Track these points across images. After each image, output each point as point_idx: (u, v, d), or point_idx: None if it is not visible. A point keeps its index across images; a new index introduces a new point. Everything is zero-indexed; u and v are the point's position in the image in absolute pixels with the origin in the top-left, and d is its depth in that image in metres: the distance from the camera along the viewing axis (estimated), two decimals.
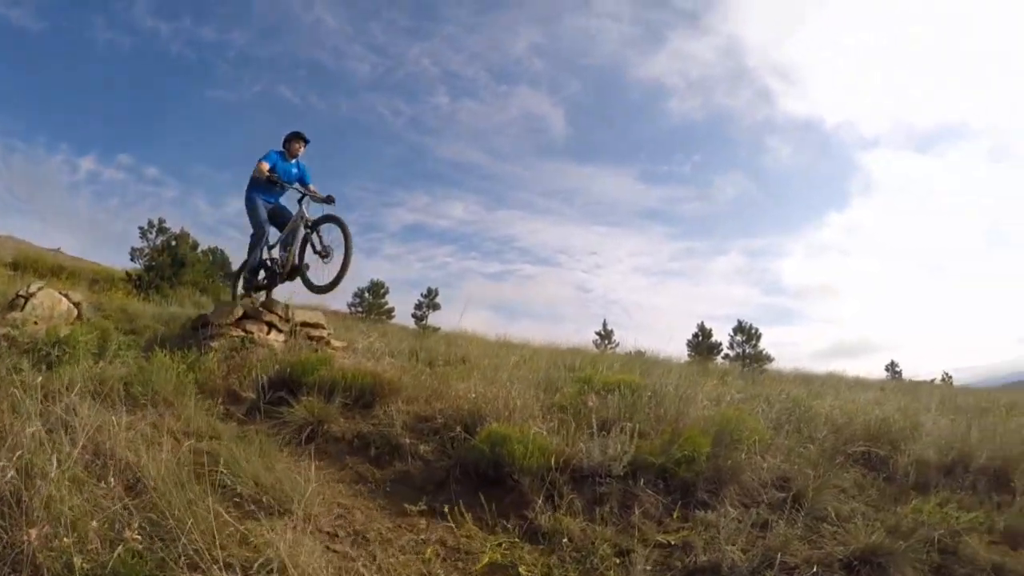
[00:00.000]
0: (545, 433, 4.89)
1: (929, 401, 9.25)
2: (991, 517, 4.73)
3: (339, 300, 21.88)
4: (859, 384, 13.45)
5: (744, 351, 25.05)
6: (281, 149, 8.18)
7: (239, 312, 7.79)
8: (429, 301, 26.83)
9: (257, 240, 8.03)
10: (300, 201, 7.97)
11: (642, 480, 4.53)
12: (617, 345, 21.07)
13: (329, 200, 7.92)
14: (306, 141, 8.34)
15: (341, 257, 7.40)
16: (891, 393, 10.77)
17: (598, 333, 24.97)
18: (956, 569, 3.80)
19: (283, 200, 8.28)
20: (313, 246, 7.75)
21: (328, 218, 7.69)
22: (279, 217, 8.18)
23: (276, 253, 8.16)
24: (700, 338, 26.09)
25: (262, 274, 8.20)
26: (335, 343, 8.31)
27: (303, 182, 8.20)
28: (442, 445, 5.09)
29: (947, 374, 25.11)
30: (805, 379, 12.82)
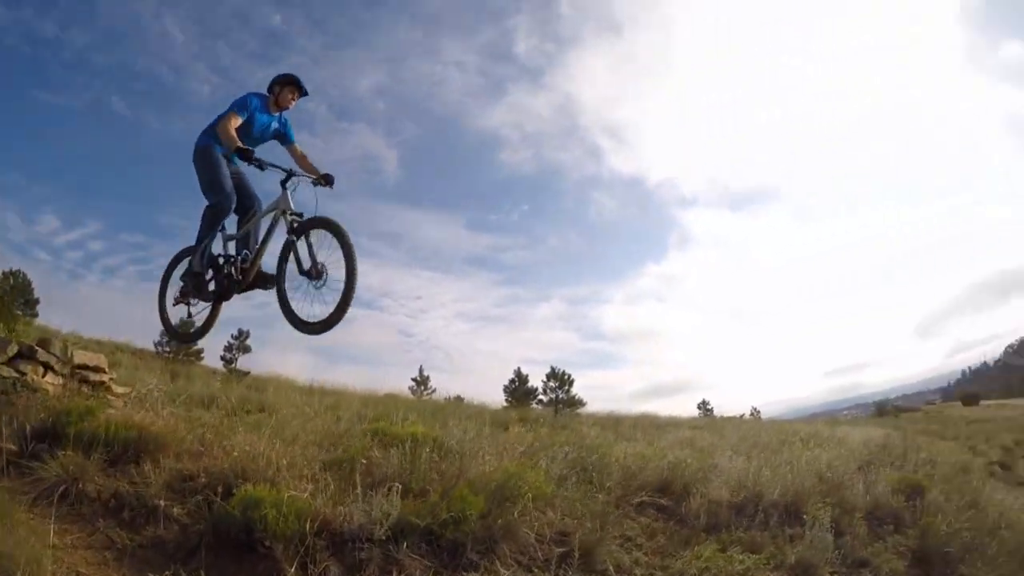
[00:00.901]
0: (307, 495, 4.81)
1: (732, 438, 10.37)
2: (783, 551, 5.41)
3: (146, 338, 20.11)
4: (672, 423, 14.41)
5: (558, 396, 26.08)
6: (264, 94, 6.06)
7: (14, 349, 6.77)
8: (240, 343, 25.24)
9: (215, 217, 5.91)
10: (284, 183, 5.73)
11: (406, 543, 4.52)
12: (434, 391, 21.46)
13: (327, 181, 5.89)
14: (303, 92, 6.21)
15: (342, 283, 5.21)
16: (700, 431, 11.73)
17: (414, 379, 24.99)
18: None
19: (248, 164, 5.77)
20: (299, 261, 5.52)
21: (321, 222, 5.49)
22: (238, 190, 6.05)
23: (233, 248, 6.06)
24: (517, 384, 26.89)
25: (211, 274, 6.03)
26: (117, 389, 7.66)
27: (286, 140, 6.28)
28: (199, 507, 4.86)
29: (755, 409, 28.88)
30: (616, 421, 13.49)
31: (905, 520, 7.05)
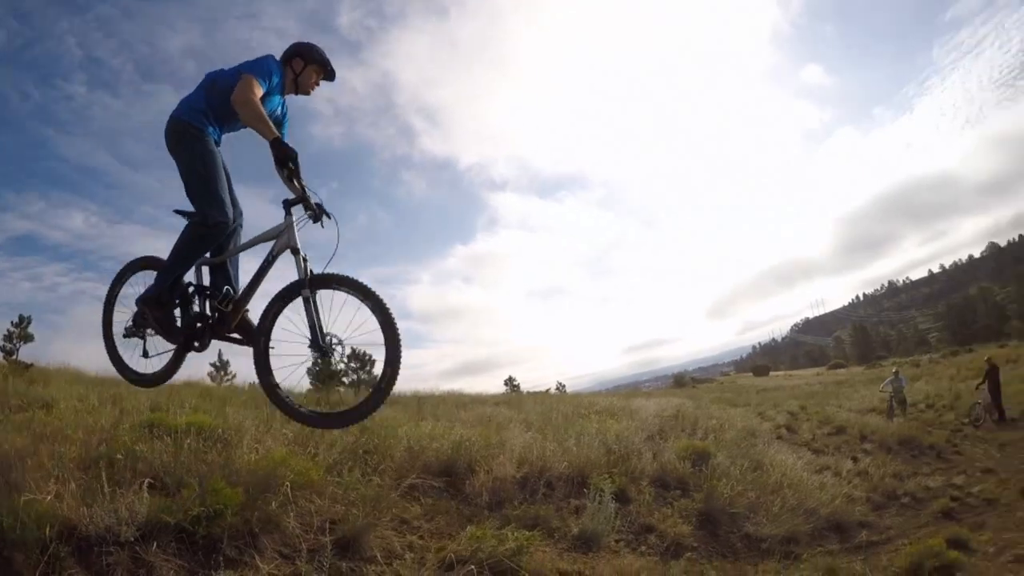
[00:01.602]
0: (50, 497, 4.38)
1: (531, 413, 10.42)
2: (567, 523, 5.39)
3: None
4: (477, 400, 14.34)
5: (359, 377, 25.53)
6: (282, 68, 4.71)
7: None
8: (20, 331, 22.44)
9: (205, 239, 4.42)
10: (291, 207, 4.39)
11: (156, 544, 4.22)
12: (234, 377, 20.34)
13: (320, 213, 4.37)
14: (329, 77, 4.98)
15: (381, 370, 4.02)
16: (500, 407, 11.68)
17: (213, 364, 23.66)
18: None
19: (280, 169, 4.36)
20: (313, 324, 4.14)
21: (352, 284, 4.06)
22: None
23: (207, 277, 4.66)
24: (320, 367, 26.19)
25: (177, 312, 4.58)
26: None
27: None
28: None
29: (561, 384, 29.80)
30: (420, 401, 13.23)
31: (691, 485, 7.38)
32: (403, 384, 4.83)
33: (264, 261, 4.34)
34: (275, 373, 4.13)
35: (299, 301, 4.11)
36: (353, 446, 6.34)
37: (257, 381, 4.22)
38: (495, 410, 10.98)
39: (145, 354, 4.62)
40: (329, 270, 4.11)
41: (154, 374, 4.71)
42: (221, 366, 24.16)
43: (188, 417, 6.54)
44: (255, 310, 4.41)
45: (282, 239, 4.29)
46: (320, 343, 4.04)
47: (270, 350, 4.15)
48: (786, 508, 7.55)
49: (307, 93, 4.86)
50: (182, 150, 4.38)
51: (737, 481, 7.87)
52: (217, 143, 4.57)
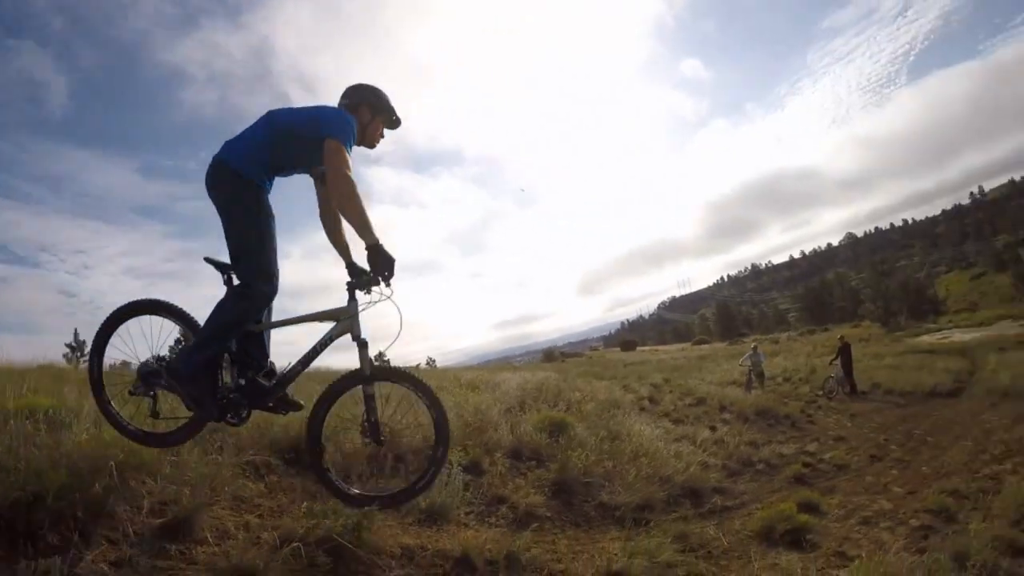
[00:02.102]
0: None
1: (394, 387, 10.03)
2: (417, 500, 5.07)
3: None
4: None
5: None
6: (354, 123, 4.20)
7: None
8: None
9: (250, 311, 4.10)
10: (355, 288, 4.22)
11: None
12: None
13: (376, 280, 4.03)
14: (394, 124, 4.62)
15: (426, 461, 4.34)
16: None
17: (69, 345, 22.19)
18: (354, 566, 3.85)
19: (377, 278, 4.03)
20: (370, 417, 4.22)
21: (412, 381, 4.23)
22: None
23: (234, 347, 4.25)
24: (182, 345, 25.84)
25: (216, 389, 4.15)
26: None
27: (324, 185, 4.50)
28: None
29: (431, 359, 29.75)
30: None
31: (547, 456, 7.21)
32: (276, 362, 4.37)
33: (320, 342, 4.18)
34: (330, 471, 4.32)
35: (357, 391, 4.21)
36: None
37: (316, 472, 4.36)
38: (359, 387, 10.51)
39: (155, 415, 4.25)
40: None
41: (167, 434, 4.31)
42: (76, 347, 22.83)
43: (22, 400, 5.80)
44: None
45: (344, 324, 4.16)
46: (380, 437, 4.22)
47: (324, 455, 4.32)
48: (641, 476, 7.52)
49: (372, 147, 4.57)
50: (236, 206, 4.01)
51: (593, 451, 7.78)
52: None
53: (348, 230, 4.37)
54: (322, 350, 4.19)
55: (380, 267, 3.80)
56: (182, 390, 4.04)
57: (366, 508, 4.20)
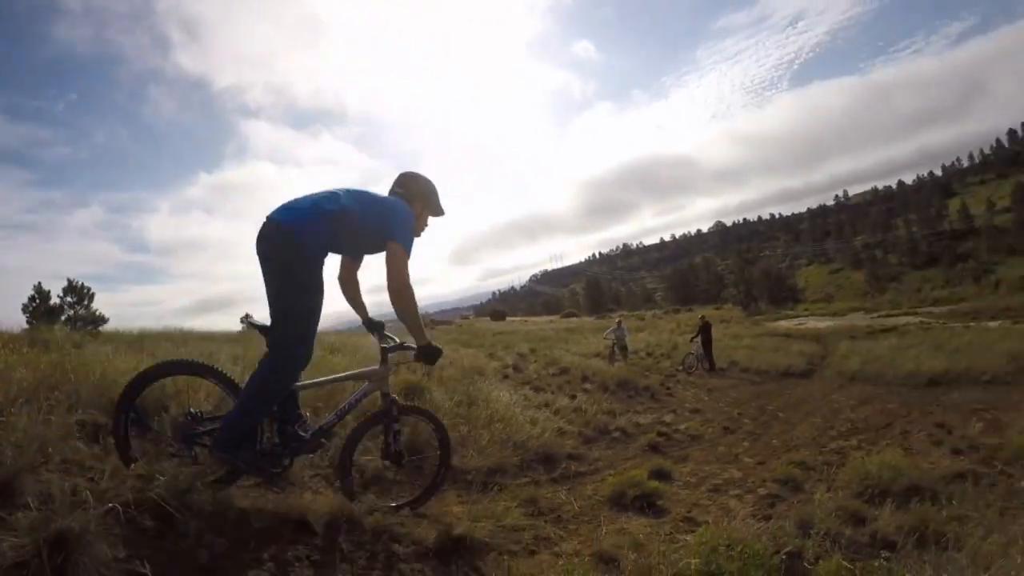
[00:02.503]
0: None
1: (254, 350, 9.72)
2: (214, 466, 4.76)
3: None
4: (206, 338, 13.10)
5: (76, 313, 25.23)
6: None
7: None
8: None
9: (292, 375, 4.29)
10: (389, 352, 4.89)
11: None
12: None
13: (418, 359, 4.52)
14: (440, 214, 4.98)
15: (432, 476, 5.21)
16: (230, 345, 10.68)
17: None
18: (184, 530, 3.62)
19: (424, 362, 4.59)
20: (388, 443, 4.99)
21: (428, 415, 5.29)
22: None
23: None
24: (38, 302, 25.44)
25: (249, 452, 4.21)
26: None
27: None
28: None
29: None
30: (142, 339, 11.76)
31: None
32: (132, 322, 4.00)
33: (355, 398, 4.80)
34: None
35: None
36: (33, 382, 5.30)
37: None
38: (219, 347, 10.04)
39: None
40: None
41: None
42: None
43: None
44: None
45: (375, 382, 4.89)
46: (401, 461, 5.03)
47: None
48: (495, 441, 7.45)
49: (417, 235, 4.67)
50: (294, 278, 4.08)
51: (447, 415, 7.60)
52: None
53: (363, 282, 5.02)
54: (356, 405, 4.83)
55: (429, 359, 4.39)
56: (235, 459, 4.13)
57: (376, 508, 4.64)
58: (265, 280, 4.09)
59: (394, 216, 4.30)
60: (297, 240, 4.02)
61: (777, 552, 4.41)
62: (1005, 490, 6.71)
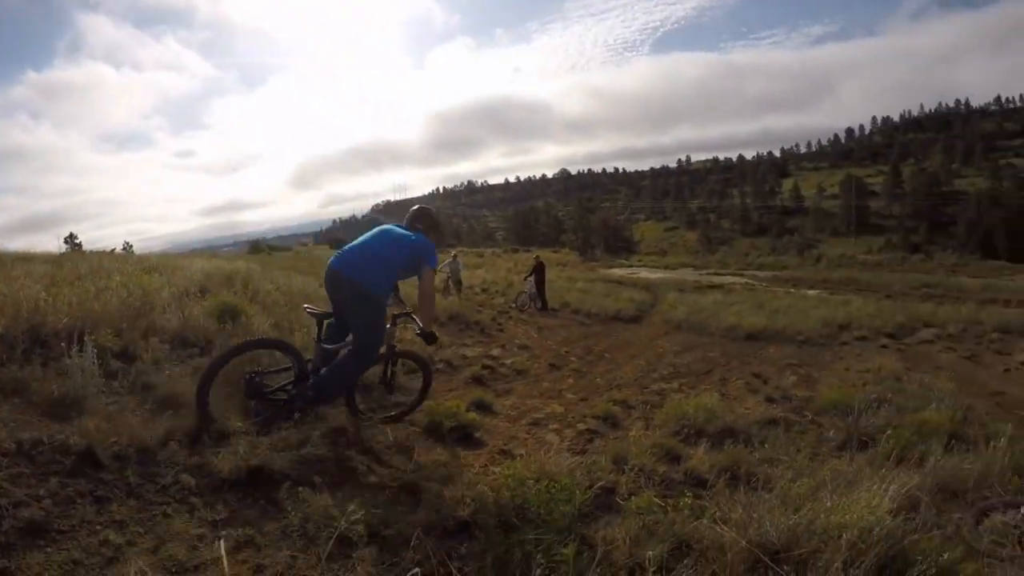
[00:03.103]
0: None
1: (82, 269, 9.33)
2: (49, 386, 4.69)
3: None
4: (21, 258, 11.67)
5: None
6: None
7: None
8: None
9: (372, 359, 5.96)
10: (398, 316, 6.32)
11: None
12: None
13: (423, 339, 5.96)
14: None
15: (416, 397, 6.74)
16: (47, 266, 10.05)
17: None
18: None
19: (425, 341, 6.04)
20: (384, 375, 6.75)
21: (409, 355, 7.04)
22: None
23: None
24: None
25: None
26: None
27: None
28: None
29: (128, 243, 26.34)
30: None
31: (217, 343, 6.86)
32: None
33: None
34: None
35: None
36: None
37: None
38: (31, 267, 9.17)
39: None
40: None
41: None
42: None
43: None
44: None
45: (389, 344, 6.31)
46: (392, 387, 6.86)
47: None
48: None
49: None
50: (370, 315, 5.61)
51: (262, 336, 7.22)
52: None
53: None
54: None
55: (428, 340, 5.79)
56: (317, 406, 5.65)
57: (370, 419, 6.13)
58: (346, 307, 5.60)
59: (426, 251, 5.81)
60: (374, 293, 5.52)
61: (591, 486, 4.39)
62: (814, 438, 7.01)
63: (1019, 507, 4.41)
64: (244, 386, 5.26)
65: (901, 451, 5.62)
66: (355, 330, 5.61)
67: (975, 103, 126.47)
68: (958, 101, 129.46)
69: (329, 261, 5.73)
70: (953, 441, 6.20)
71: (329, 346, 5.63)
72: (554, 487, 3.95)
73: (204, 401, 4.80)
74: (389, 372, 6.60)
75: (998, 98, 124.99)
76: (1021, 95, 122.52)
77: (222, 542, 3.28)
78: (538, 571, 3.25)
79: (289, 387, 5.38)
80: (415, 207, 6.40)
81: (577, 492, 4.06)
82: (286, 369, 5.50)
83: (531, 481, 4.03)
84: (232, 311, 8.17)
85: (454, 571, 3.34)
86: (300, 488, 4.06)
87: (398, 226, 6.06)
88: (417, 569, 3.30)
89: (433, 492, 4.21)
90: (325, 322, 5.62)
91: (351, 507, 3.77)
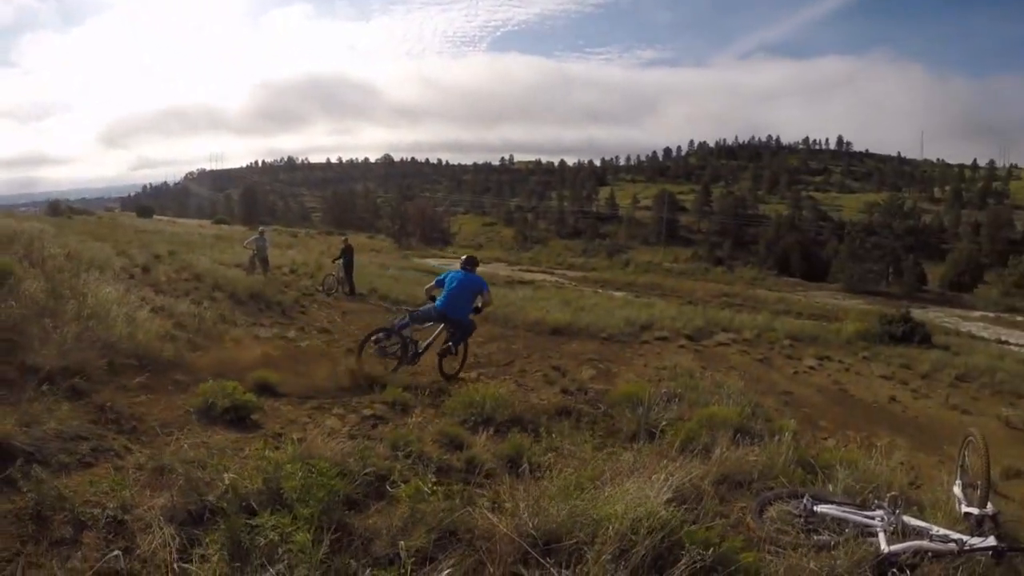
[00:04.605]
0: None
1: None
2: None
3: None
4: None
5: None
6: None
7: None
8: None
9: (470, 332, 10.67)
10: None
11: None
12: None
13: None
14: None
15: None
16: None
17: None
18: None
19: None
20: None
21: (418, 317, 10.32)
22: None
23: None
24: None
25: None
26: None
27: None
28: None
29: None
30: None
31: None
32: None
33: (439, 334, 10.20)
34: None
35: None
36: None
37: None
38: None
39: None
40: None
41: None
42: None
43: None
44: None
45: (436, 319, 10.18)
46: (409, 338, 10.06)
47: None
48: (85, 340, 6.63)
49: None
50: (464, 325, 10.18)
51: (32, 307, 7.17)
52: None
53: None
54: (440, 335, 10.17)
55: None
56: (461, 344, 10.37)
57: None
58: (451, 324, 9.93)
59: (484, 283, 10.38)
60: (464, 321, 10.06)
61: (366, 472, 4.37)
62: (605, 429, 7.32)
63: (802, 497, 4.66)
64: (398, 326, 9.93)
65: (687, 442, 5.87)
66: (458, 329, 9.98)
67: (785, 140, 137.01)
68: (770, 136, 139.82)
69: (438, 303, 9.99)
70: (739, 435, 6.43)
71: (414, 315, 10.10)
72: (312, 473, 3.87)
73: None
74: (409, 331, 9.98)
75: (806, 139, 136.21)
76: (827, 139, 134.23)
77: None
78: (282, 559, 3.16)
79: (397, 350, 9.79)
80: (465, 256, 10.97)
81: (337, 479, 3.95)
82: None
83: (288, 466, 3.93)
84: (2, 272, 7.81)
85: (193, 557, 3.20)
86: (34, 466, 3.78)
87: (463, 270, 10.16)
88: (118, 552, 3.17)
89: (186, 476, 4.03)
90: (419, 310, 10.24)
91: (92, 490, 3.60)
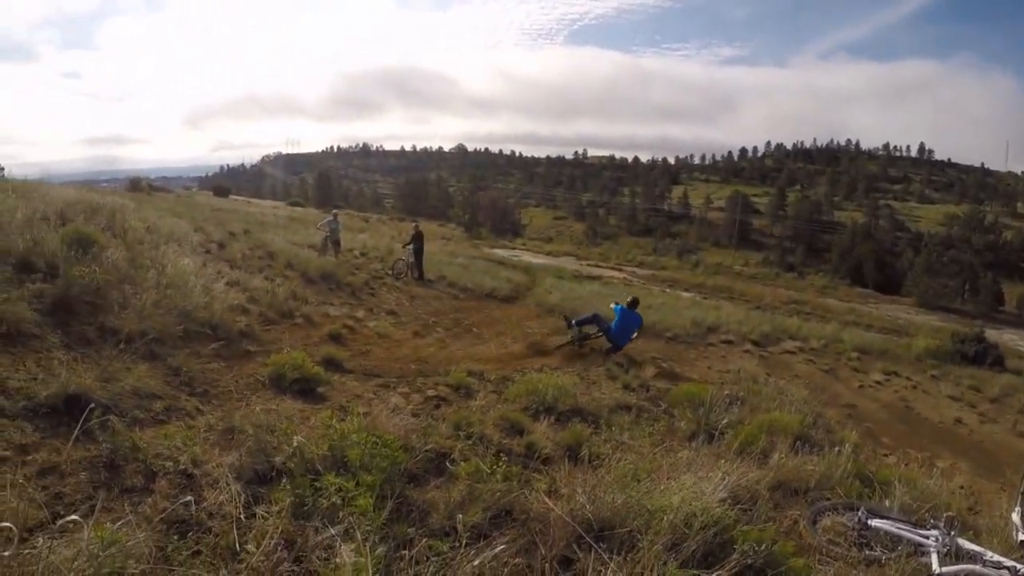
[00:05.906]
0: None
1: None
2: None
3: None
4: None
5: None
6: None
7: None
8: None
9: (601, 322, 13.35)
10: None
11: None
12: None
13: None
14: None
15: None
16: None
17: None
18: None
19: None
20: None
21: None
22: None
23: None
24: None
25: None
26: None
27: None
28: None
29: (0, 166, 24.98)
30: None
31: (65, 271, 6.59)
32: None
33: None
34: None
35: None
36: None
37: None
38: None
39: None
40: None
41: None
42: None
43: None
44: None
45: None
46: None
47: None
48: (162, 307, 6.87)
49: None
50: (624, 340, 13.41)
51: (115, 274, 7.31)
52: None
53: None
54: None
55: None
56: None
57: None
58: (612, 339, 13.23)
59: (641, 319, 14.17)
60: (622, 344, 13.24)
61: (427, 449, 4.44)
62: (665, 427, 7.23)
63: (857, 510, 4.62)
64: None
65: (746, 446, 5.85)
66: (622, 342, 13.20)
67: (864, 145, 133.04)
68: (849, 141, 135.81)
69: (613, 327, 13.11)
70: (799, 443, 6.42)
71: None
72: (376, 444, 3.94)
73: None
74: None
75: (887, 145, 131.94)
76: (908, 146, 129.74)
77: None
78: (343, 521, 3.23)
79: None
80: (631, 298, 14.30)
81: (400, 452, 4.04)
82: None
83: (353, 435, 4.00)
84: (86, 241, 7.84)
85: (258, 513, 3.28)
86: (111, 418, 3.94)
87: (628, 306, 13.64)
88: (191, 498, 3.27)
89: (255, 437, 4.13)
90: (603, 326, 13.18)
91: (164, 444, 3.71)
